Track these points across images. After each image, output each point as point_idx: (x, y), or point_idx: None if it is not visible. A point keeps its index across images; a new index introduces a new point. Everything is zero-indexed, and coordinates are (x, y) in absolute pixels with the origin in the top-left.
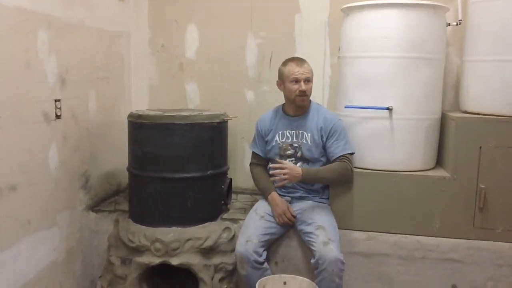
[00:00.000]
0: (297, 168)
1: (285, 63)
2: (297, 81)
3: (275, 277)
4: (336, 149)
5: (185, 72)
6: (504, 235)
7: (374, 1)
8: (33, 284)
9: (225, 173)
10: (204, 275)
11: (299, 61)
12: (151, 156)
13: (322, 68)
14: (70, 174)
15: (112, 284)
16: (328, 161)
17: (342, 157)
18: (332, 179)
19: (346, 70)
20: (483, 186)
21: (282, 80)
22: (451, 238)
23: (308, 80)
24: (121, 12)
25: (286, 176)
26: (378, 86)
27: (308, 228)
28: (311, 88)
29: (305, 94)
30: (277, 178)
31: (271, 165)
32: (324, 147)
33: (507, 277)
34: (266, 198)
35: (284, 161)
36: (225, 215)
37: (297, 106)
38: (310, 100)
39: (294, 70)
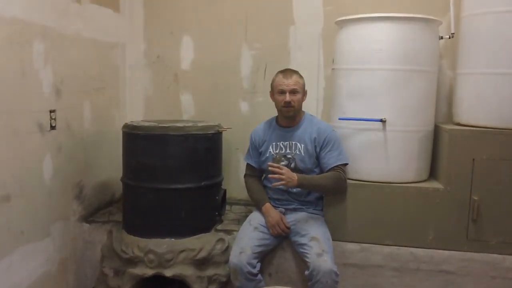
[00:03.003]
0: (293, 174)
1: (276, 74)
2: (283, 92)
3: None
4: (330, 160)
5: (180, 83)
6: (498, 247)
7: (368, 15)
8: None
9: (219, 184)
10: (197, 286)
11: (288, 72)
12: (146, 167)
13: (316, 80)
14: (64, 184)
15: None
16: (322, 172)
17: (335, 168)
18: (326, 187)
19: (340, 82)
20: (476, 198)
21: (272, 91)
22: (445, 250)
23: (294, 92)
24: (116, 23)
25: (283, 177)
26: (371, 98)
27: (302, 240)
28: (298, 100)
29: (290, 105)
30: (276, 176)
31: (269, 163)
32: (317, 158)
33: None
34: (260, 209)
35: (280, 166)
36: (219, 226)
37: (284, 117)
38: (303, 112)
39: (280, 81)
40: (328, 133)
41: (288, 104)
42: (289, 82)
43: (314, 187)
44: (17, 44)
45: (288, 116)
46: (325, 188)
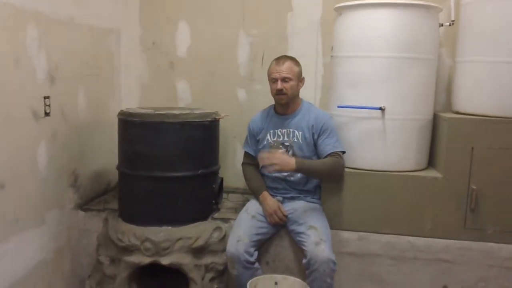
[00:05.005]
0: (290, 159)
1: (271, 62)
2: (275, 80)
3: (266, 277)
4: (327, 147)
5: (176, 70)
6: (495, 236)
7: (367, 1)
8: (21, 283)
9: (216, 173)
10: (194, 275)
11: (281, 60)
12: (142, 155)
13: (315, 67)
14: (59, 172)
15: (101, 283)
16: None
17: (333, 154)
18: (325, 172)
19: (338, 69)
20: (474, 187)
21: (268, 79)
22: (442, 238)
23: (286, 79)
24: (111, 9)
25: (276, 162)
26: (370, 86)
27: (299, 228)
28: (291, 87)
29: (282, 93)
30: (266, 163)
31: (259, 154)
32: (315, 145)
33: (497, 277)
34: (257, 198)
35: (275, 151)
36: (216, 215)
37: (279, 105)
38: (301, 99)
39: (273, 69)
40: (326, 121)
41: (279, 92)
42: (281, 70)
43: (313, 172)
44: (10, 29)
45: (282, 104)
46: (323, 173)
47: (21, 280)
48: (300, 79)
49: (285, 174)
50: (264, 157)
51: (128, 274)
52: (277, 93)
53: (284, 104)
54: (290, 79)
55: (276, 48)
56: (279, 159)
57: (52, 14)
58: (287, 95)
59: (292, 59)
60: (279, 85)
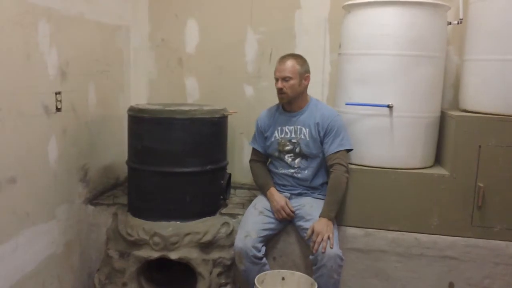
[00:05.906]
0: (327, 225)
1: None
2: (277, 79)
3: (274, 273)
4: (331, 146)
5: (184, 67)
6: (502, 234)
7: None
8: (31, 277)
9: (224, 168)
10: (202, 269)
11: (283, 59)
12: (151, 150)
13: (322, 65)
14: (69, 167)
15: (110, 277)
16: (324, 157)
17: (335, 157)
18: (340, 192)
19: (346, 67)
20: (481, 185)
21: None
22: (449, 236)
23: (286, 78)
24: (121, 5)
25: (319, 238)
26: (378, 83)
27: (306, 224)
28: (291, 86)
29: (282, 92)
30: (323, 245)
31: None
32: (321, 143)
33: (504, 275)
34: (265, 194)
35: (309, 231)
36: (223, 210)
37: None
38: (308, 96)
39: (276, 68)
40: (332, 119)
41: (280, 91)
42: (282, 69)
43: (339, 202)
44: (22, 25)
45: (284, 102)
46: (341, 194)
47: (31, 273)
48: (304, 77)
49: (292, 171)
50: (318, 243)
51: (137, 268)
52: (278, 92)
53: (287, 103)
54: (290, 78)
55: (283, 46)
56: (322, 234)
57: (63, 10)
58: (287, 94)
59: (296, 58)
60: (280, 84)
